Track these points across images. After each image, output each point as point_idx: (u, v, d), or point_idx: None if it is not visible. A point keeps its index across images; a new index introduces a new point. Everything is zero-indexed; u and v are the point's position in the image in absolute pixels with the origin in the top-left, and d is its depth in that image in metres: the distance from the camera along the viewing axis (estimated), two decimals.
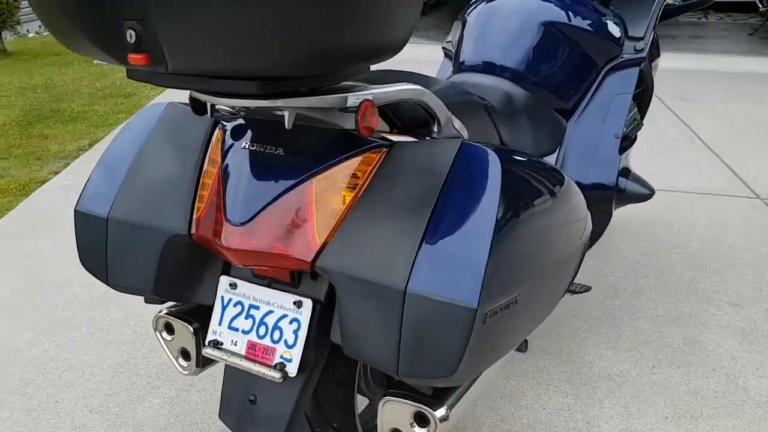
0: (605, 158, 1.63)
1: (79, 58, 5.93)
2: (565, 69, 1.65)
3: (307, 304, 1.00)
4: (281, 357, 1.00)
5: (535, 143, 1.52)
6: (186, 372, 1.17)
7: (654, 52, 1.98)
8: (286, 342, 1.00)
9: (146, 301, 1.15)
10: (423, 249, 0.86)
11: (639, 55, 1.73)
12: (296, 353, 0.99)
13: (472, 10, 1.75)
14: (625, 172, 1.73)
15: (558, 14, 1.65)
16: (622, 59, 1.72)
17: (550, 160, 1.63)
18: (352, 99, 0.89)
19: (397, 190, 0.92)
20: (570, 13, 1.66)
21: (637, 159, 2.59)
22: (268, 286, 1.05)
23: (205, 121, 1.07)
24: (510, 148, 1.30)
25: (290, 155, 0.97)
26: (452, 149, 0.93)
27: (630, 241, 2.50)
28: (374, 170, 0.94)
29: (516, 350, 1.65)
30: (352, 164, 0.95)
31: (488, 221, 0.84)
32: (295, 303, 1.01)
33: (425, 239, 0.86)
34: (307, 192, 0.94)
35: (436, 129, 1.09)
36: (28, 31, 7.53)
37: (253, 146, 1.00)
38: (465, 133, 1.15)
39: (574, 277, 1.22)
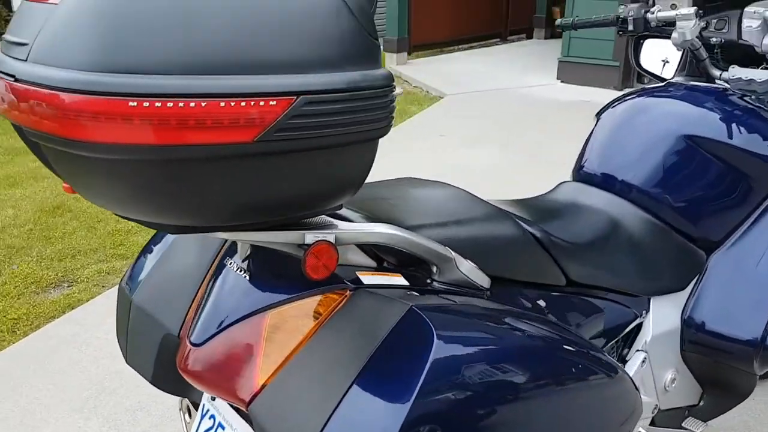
0: (752, 306, 1.36)
1: None
2: (713, 194, 1.40)
3: None
4: None
5: (639, 278, 1.34)
6: None
7: None
8: None
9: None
10: (335, 415, 0.77)
11: None
12: None
13: (611, 107, 1.55)
14: None
15: (712, 126, 1.41)
16: None
17: (678, 298, 1.43)
18: (310, 237, 0.85)
19: (337, 343, 0.84)
20: (731, 126, 1.41)
21: None
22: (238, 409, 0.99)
23: None
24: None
25: (256, 280, 0.91)
26: (397, 313, 0.83)
27: None
28: (330, 314, 0.87)
29: None
30: (309, 303, 0.88)
31: (405, 398, 0.75)
32: None
33: (340, 405, 0.77)
34: (261, 325, 0.88)
35: (435, 271, 0.99)
36: None
37: (229, 263, 0.95)
38: (479, 277, 1.03)
39: None
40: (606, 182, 1.43)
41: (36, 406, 2.01)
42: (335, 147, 0.74)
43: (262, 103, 0.65)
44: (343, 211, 0.97)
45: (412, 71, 7.26)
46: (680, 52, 1.71)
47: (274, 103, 0.66)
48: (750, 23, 1.49)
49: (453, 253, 0.99)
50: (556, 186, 1.48)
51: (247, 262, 0.93)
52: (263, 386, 0.85)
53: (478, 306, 0.94)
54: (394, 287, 0.94)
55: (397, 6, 7.54)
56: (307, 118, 0.68)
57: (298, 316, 0.88)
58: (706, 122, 1.43)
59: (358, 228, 0.90)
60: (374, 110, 0.75)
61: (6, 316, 2.49)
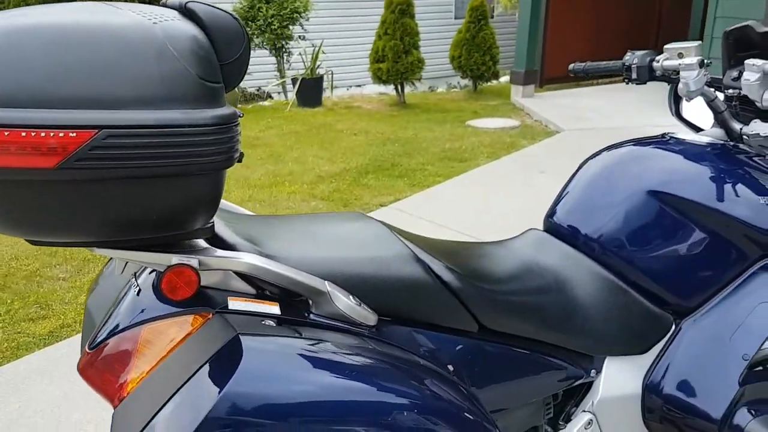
0: (721, 381, 1.25)
1: (456, 117, 6.66)
2: (689, 257, 1.30)
3: None
4: None
5: (586, 336, 1.27)
6: None
7: None
8: None
9: None
10: (154, 419, 0.84)
11: None
12: None
13: (595, 156, 1.47)
14: (750, 411, 1.27)
15: (695, 187, 1.30)
16: None
17: (640, 361, 1.34)
18: (175, 259, 0.91)
19: (181, 359, 0.90)
20: (718, 188, 1.29)
21: None
22: None
23: None
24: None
25: (144, 295, 0.99)
26: (224, 338, 0.90)
27: None
28: (190, 333, 0.93)
29: None
30: (179, 321, 0.94)
31: (204, 407, 0.82)
32: None
33: (161, 410, 0.85)
34: (137, 337, 0.95)
35: (311, 304, 1.03)
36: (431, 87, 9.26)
37: (133, 278, 1.04)
38: (360, 314, 1.04)
39: None
40: (571, 235, 1.37)
41: None
42: (165, 176, 0.82)
43: (61, 134, 0.75)
44: (234, 240, 1.05)
45: (536, 104, 7.13)
46: None
47: (74, 135, 0.75)
48: (749, 76, 1.36)
49: (329, 287, 1.03)
50: (523, 232, 1.45)
51: (141, 277, 1.05)
52: (128, 393, 0.95)
53: (331, 343, 0.98)
54: (262, 315, 1.00)
55: (526, 38, 7.46)
56: (111, 150, 0.77)
57: (167, 332, 0.96)
58: (690, 182, 1.34)
59: (222, 255, 0.97)
60: (206, 145, 0.82)
61: None
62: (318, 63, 7.45)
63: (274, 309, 1.01)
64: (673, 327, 1.35)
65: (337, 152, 5.39)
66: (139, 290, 1.02)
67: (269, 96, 8.80)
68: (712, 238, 1.31)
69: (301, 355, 0.93)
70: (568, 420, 1.31)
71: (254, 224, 1.16)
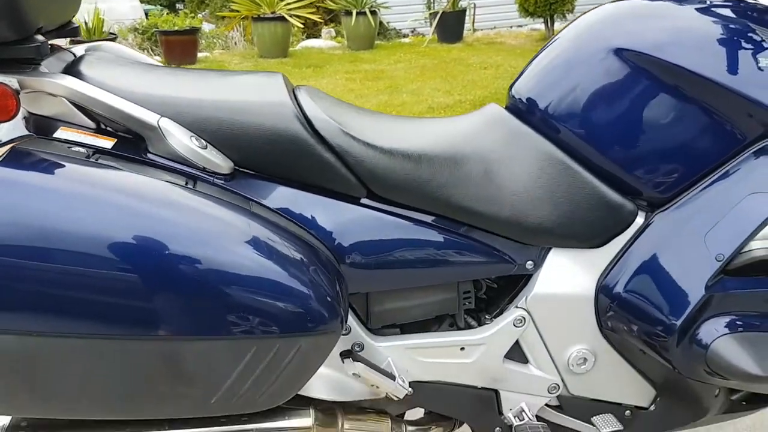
0: (683, 285, 0.98)
1: None
2: (671, 137, 1.01)
3: None
4: None
5: (518, 221, 1.00)
6: None
7: None
8: None
9: None
10: None
11: None
12: None
13: (586, 14, 1.15)
14: (716, 327, 0.98)
15: (691, 52, 0.99)
16: None
17: (596, 258, 1.05)
18: (2, 78, 0.84)
19: None
20: (724, 52, 0.98)
21: None
22: None
23: None
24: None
25: None
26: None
27: None
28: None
29: None
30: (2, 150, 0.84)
31: None
32: None
33: None
34: None
35: (148, 143, 0.92)
36: None
37: None
38: (201, 158, 0.91)
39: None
40: (528, 111, 1.08)
41: None
42: None
43: None
44: (83, 71, 0.97)
45: None
46: None
47: None
48: None
49: (162, 122, 0.91)
50: (483, 107, 1.19)
51: None
52: None
53: (149, 176, 0.86)
54: (89, 147, 0.92)
55: None
56: None
57: None
58: (685, 46, 1.00)
59: (44, 77, 0.89)
60: None
61: None
62: None
63: (107, 144, 0.92)
64: (641, 220, 1.03)
65: (458, 85, 5.12)
66: None
67: (414, 32, 8.64)
68: (696, 112, 0.98)
69: (90, 176, 0.83)
70: (498, 315, 1.07)
71: (137, 70, 1.06)
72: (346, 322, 0.92)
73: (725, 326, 0.95)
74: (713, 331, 0.94)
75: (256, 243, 0.85)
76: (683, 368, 0.98)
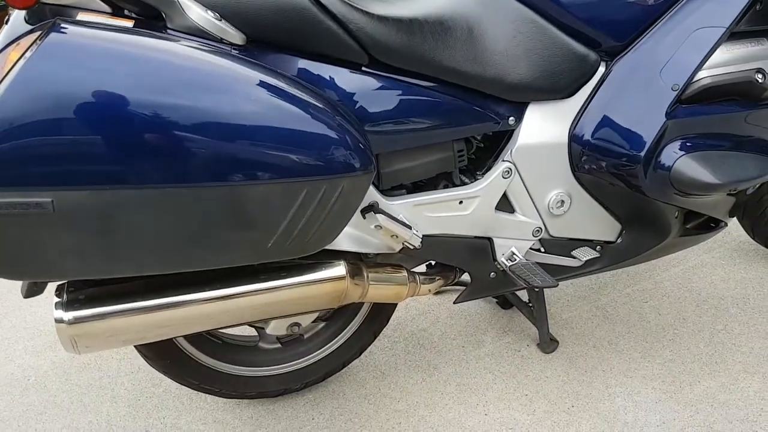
0: (644, 116, 1.13)
1: None
2: None
3: None
4: None
5: (498, 78, 1.14)
6: None
7: None
8: None
9: None
10: None
11: None
12: None
13: None
14: (676, 149, 1.16)
15: None
16: None
17: (566, 108, 1.23)
18: None
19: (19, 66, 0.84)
20: None
21: None
22: None
23: None
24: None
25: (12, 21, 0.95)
26: (45, 29, 0.85)
27: None
28: (30, 45, 0.86)
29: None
30: (28, 39, 0.88)
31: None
32: None
33: None
34: (5, 61, 0.89)
35: (166, 18, 0.96)
36: None
37: None
38: (218, 29, 0.97)
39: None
40: None
41: None
42: None
43: None
44: None
45: None
46: None
47: None
48: None
49: None
50: None
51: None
52: None
53: (178, 44, 0.92)
54: (109, 27, 0.95)
55: None
56: None
57: (20, 50, 0.95)
58: None
59: None
60: None
61: None
62: None
63: (127, 24, 0.96)
64: (603, 68, 1.21)
65: None
66: (8, 18, 1.00)
67: None
68: None
69: (132, 45, 0.87)
70: (488, 170, 1.23)
71: None
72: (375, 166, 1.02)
73: (683, 149, 1.13)
74: (673, 154, 1.13)
75: (297, 99, 0.94)
76: (651, 191, 1.16)
